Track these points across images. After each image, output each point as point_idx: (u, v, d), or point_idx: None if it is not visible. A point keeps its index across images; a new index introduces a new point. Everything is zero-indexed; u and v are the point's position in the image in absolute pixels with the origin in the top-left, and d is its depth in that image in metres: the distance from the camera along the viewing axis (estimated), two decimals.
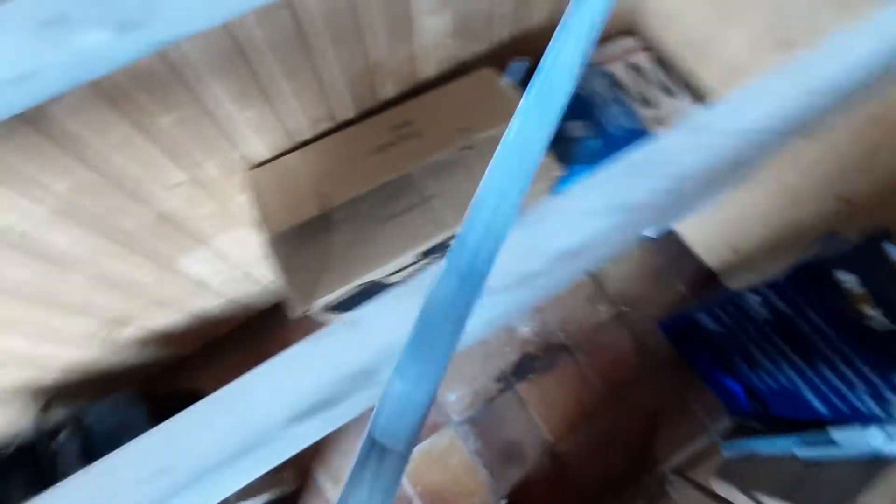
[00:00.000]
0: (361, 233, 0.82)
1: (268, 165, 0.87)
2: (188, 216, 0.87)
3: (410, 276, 0.89)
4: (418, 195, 0.84)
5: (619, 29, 1.21)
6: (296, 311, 0.78)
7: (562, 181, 0.93)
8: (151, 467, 0.25)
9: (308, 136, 0.89)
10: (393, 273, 0.83)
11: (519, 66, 0.99)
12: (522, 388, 1.45)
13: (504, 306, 0.29)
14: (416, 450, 1.37)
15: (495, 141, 0.27)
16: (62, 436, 0.95)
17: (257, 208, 0.82)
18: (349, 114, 0.90)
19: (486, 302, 0.27)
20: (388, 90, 0.91)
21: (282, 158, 0.87)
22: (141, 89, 0.63)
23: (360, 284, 0.81)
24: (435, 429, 1.44)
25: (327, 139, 0.88)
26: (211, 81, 0.68)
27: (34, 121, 0.59)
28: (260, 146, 0.84)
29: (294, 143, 0.89)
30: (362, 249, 0.81)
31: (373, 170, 0.84)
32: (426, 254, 0.83)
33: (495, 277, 0.27)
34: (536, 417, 1.46)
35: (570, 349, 1.52)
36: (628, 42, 1.18)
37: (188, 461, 0.25)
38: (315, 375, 0.27)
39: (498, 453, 1.42)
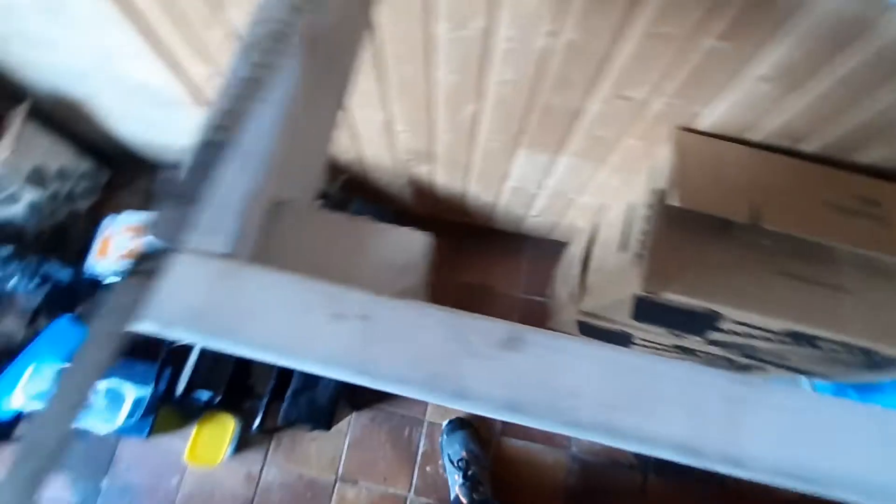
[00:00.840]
0: (747, 265, 0.72)
1: (700, 137, 0.79)
2: (590, 126, 0.84)
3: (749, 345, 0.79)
4: (833, 278, 0.70)
5: None
6: (634, 286, 0.72)
7: None
8: None
9: (758, 137, 0.78)
10: (742, 324, 0.73)
11: None
12: (651, 479, 1.30)
13: None
14: (520, 443, 1.34)
15: None
16: (354, 205, 1.07)
17: (673, 170, 0.75)
18: (813, 147, 0.77)
19: None
20: (872, 156, 0.76)
21: (719, 140, 0.78)
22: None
23: (704, 309, 0.72)
24: (552, 441, 1.37)
25: (781, 156, 0.77)
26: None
27: None
28: (709, 114, 0.76)
29: (739, 135, 0.79)
30: (737, 280, 0.71)
31: (814, 221, 0.71)
32: (795, 336, 0.70)
33: None
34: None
35: None
36: None
37: None
38: None
39: None
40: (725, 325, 0.75)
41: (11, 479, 0.25)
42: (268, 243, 0.34)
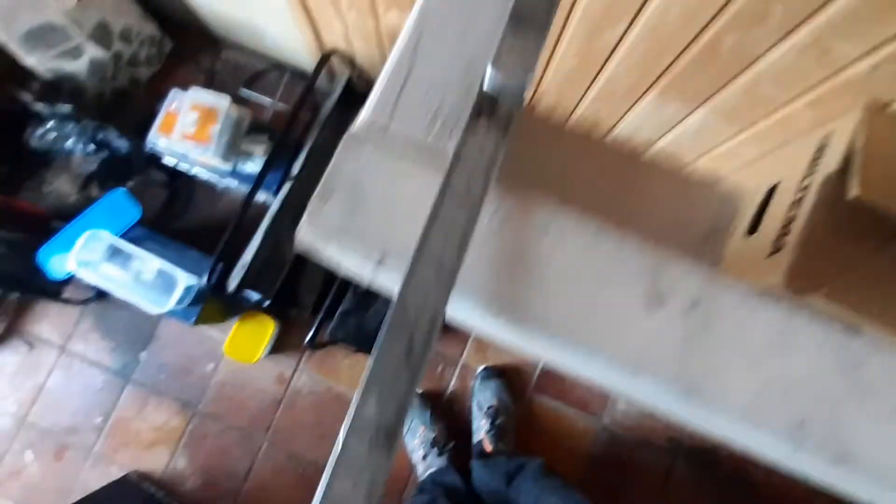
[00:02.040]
0: None
1: None
2: (758, 79, 0.69)
3: None
4: None
5: None
6: (770, 279, 0.62)
7: None
8: None
9: None
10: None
11: None
12: (679, 465, 1.27)
13: None
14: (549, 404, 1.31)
15: None
16: None
17: (859, 152, 0.61)
18: None
19: None
20: None
21: None
22: None
23: (846, 322, 0.62)
24: (586, 407, 1.33)
25: None
26: None
27: None
28: None
29: None
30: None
31: None
32: None
33: None
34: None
35: None
36: None
37: None
38: None
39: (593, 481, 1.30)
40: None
41: (395, 347, 0.20)
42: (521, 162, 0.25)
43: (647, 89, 0.80)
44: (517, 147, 0.26)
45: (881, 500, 0.16)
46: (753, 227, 0.76)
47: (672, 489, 1.29)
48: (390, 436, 0.19)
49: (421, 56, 0.24)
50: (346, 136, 0.24)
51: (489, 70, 0.24)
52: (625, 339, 0.17)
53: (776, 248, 0.66)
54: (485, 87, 0.23)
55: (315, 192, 0.23)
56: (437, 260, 0.20)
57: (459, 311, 0.21)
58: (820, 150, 0.70)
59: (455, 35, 0.24)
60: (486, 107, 0.24)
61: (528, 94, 0.25)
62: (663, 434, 1.32)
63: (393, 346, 0.19)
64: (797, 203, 0.69)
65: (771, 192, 0.79)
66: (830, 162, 0.67)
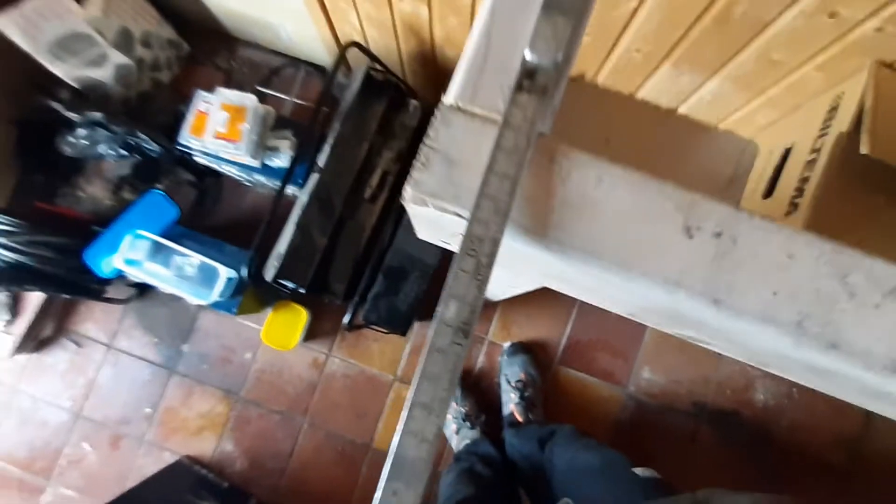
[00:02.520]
0: None
1: None
2: (769, 46, 0.71)
3: None
4: None
5: None
6: None
7: None
8: None
9: None
10: None
11: None
12: (703, 428, 1.32)
13: None
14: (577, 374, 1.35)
15: None
16: None
17: (868, 111, 0.64)
18: None
19: None
20: None
21: None
22: None
23: None
24: (611, 377, 1.38)
25: None
26: None
27: None
28: None
29: None
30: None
31: None
32: None
33: None
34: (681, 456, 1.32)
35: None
36: None
37: None
38: None
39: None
40: None
41: (466, 266, 0.26)
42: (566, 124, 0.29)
43: (663, 59, 0.83)
44: (568, 109, 0.30)
45: (864, 378, 0.20)
46: (769, 191, 0.79)
47: (698, 451, 1.34)
48: (465, 330, 0.25)
49: (493, 44, 0.28)
50: (437, 114, 0.28)
51: (527, 51, 0.29)
52: (665, 263, 0.22)
53: (791, 208, 0.70)
54: (525, 64, 0.28)
55: (415, 162, 0.27)
56: (494, 199, 0.25)
57: (532, 246, 0.26)
58: (831, 112, 0.73)
59: (517, 24, 0.29)
60: (526, 81, 0.29)
61: (568, 68, 0.29)
62: (687, 399, 1.36)
63: (464, 266, 0.25)
64: (811, 164, 0.72)
65: (785, 155, 0.82)
66: (842, 122, 0.70)
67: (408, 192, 0.27)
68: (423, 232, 0.36)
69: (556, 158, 0.26)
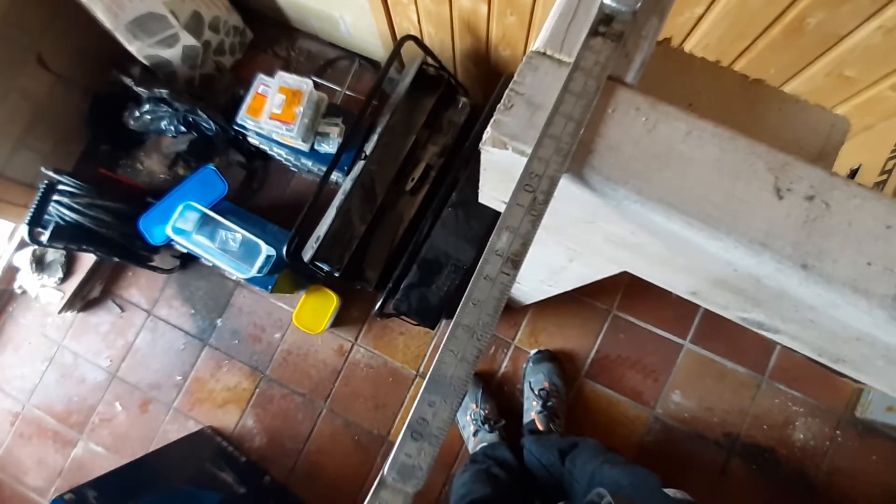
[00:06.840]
0: None
1: None
2: (843, 60, 0.68)
3: None
4: None
5: None
6: None
7: None
8: None
9: None
10: None
11: None
12: (734, 462, 1.25)
13: None
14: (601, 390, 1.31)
15: None
16: None
17: None
18: None
19: None
20: None
21: None
22: None
23: None
24: (638, 397, 1.33)
25: None
26: None
27: None
28: None
29: None
30: None
31: None
32: None
33: None
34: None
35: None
36: None
37: None
38: None
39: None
40: None
41: (521, 199, 0.27)
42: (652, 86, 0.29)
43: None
44: (649, 72, 0.30)
45: None
46: None
47: (730, 484, 1.27)
48: (515, 261, 0.26)
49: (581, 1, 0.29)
50: (526, 58, 0.28)
51: None
52: (753, 222, 0.21)
53: None
54: (602, 8, 0.28)
55: (499, 105, 0.27)
56: (557, 139, 0.25)
57: (610, 196, 0.25)
58: None
59: None
60: (602, 26, 0.29)
61: (648, 20, 0.29)
62: (718, 429, 1.30)
63: (519, 199, 0.25)
64: (879, 185, 0.68)
65: (851, 175, 0.77)
66: None
67: (488, 134, 0.27)
68: (491, 186, 0.36)
69: (643, 109, 0.26)
